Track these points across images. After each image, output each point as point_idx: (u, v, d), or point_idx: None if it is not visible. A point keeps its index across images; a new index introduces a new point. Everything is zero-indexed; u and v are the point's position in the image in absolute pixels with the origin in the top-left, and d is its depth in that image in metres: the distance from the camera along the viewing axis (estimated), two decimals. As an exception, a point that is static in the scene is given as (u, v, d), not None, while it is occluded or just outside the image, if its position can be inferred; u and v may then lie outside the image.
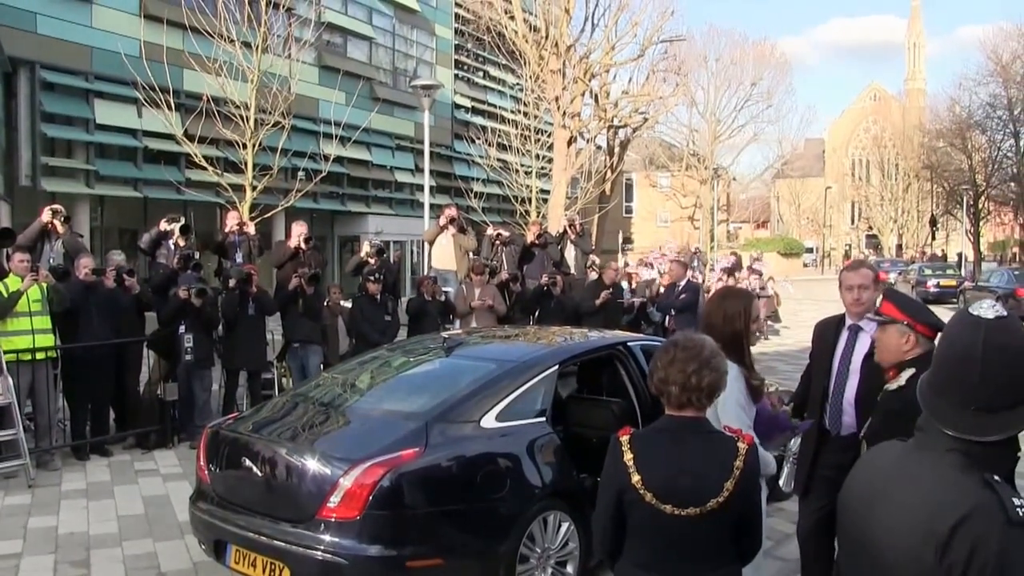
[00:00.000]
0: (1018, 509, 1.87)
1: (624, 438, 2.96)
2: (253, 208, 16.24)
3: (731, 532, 2.92)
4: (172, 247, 11.27)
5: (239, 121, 16.35)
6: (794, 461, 6.65)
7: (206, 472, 5.63)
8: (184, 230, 11.35)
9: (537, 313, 12.77)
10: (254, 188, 16.40)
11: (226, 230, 12.44)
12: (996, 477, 1.96)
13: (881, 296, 4.22)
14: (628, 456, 2.90)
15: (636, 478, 2.86)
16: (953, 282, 34.29)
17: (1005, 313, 2.07)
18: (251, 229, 12.70)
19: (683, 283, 13.28)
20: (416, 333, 11.20)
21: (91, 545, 6.72)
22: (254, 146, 16.33)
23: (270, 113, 16.47)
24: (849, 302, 4.83)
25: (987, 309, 2.08)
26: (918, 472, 2.06)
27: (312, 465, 4.98)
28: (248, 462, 5.29)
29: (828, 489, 4.50)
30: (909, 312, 4.03)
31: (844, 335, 4.88)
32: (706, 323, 4.24)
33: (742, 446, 2.90)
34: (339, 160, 25.84)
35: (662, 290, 14.39)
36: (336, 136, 18.67)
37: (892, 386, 3.94)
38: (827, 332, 4.98)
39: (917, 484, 2.03)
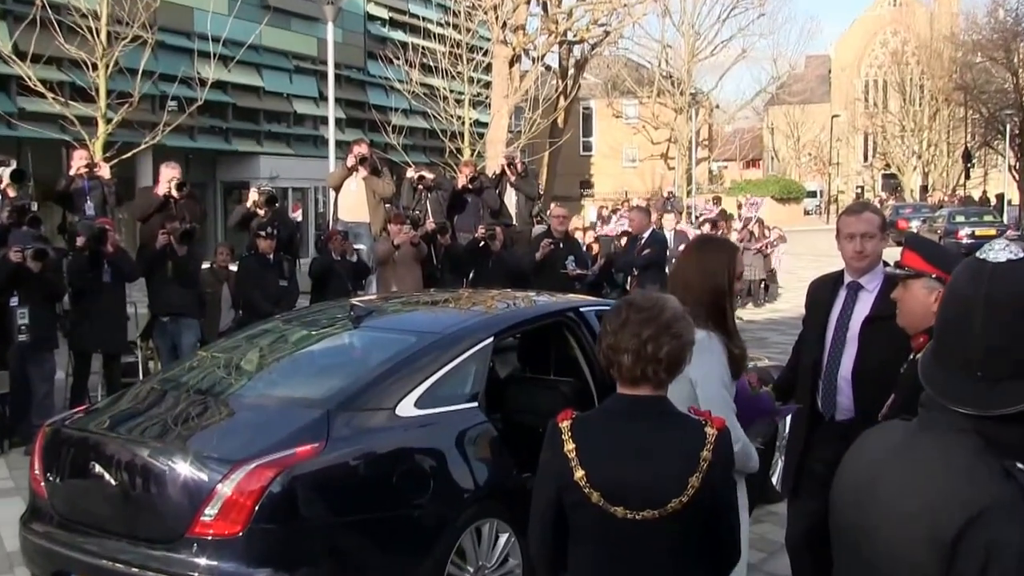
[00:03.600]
0: None
1: (564, 424, 2.96)
2: (108, 146, 15.92)
3: (700, 540, 2.93)
4: (0, 197, 11.03)
5: (87, 34, 15.99)
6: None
7: (43, 484, 5.50)
8: (16, 176, 11.17)
9: (472, 274, 12.75)
10: (109, 121, 16.09)
11: (72, 174, 12.18)
12: (1020, 465, 1.91)
13: (903, 244, 4.21)
14: (569, 446, 2.90)
15: (579, 473, 2.85)
16: (992, 231, 34.35)
17: (1022, 255, 2.00)
18: (105, 172, 12.48)
19: (647, 235, 13.33)
20: (321, 301, 11.12)
21: None
22: (107, 67, 16.00)
23: (128, 25, 16.14)
24: (849, 254, 4.80)
25: (999, 251, 2.02)
26: (921, 460, 2.02)
27: (183, 469, 4.92)
28: (99, 469, 5.19)
29: (822, 487, 4.54)
30: (938, 262, 3.96)
31: (841, 295, 4.88)
32: (680, 281, 4.25)
33: (711, 431, 2.89)
34: (220, 86, 25.41)
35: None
36: (216, 55, 18.36)
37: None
38: (821, 293, 4.99)
39: (920, 475, 1.99)
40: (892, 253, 4.54)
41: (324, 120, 30.81)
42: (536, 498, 3.04)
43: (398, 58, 27.94)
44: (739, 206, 26.81)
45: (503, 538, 5.51)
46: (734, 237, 21.88)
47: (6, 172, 11.13)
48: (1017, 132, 46.98)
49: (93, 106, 16.20)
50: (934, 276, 3.93)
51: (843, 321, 4.84)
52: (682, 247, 14.89)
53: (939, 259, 4.00)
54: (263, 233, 11.45)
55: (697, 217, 26.25)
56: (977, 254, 2.07)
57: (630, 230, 14.41)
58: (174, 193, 11.85)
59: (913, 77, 73.53)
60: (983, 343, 1.97)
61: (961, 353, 2.00)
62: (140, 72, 16.46)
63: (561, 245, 12.63)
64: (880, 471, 2.11)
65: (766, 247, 22.32)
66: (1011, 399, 1.94)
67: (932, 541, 1.87)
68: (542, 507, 3.00)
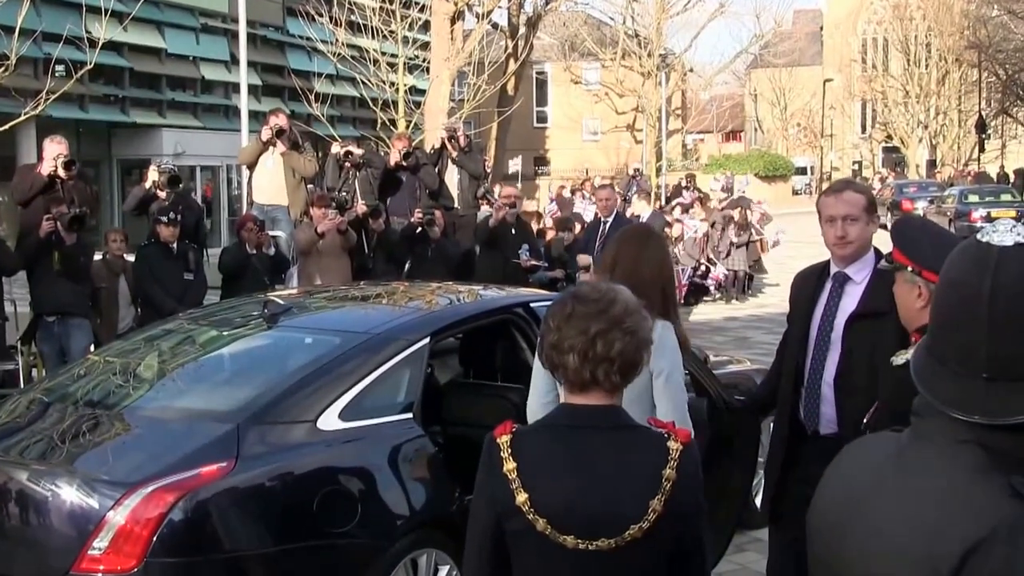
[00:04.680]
0: None
1: (503, 438, 2.96)
2: (-21, 119, 15.75)
3: (664, 573, 2.92)
4: None
5: (-53, -16, 15.82)
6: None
7: None
8: None
9: (408, 265, 12.74)
10: (-20, 89, 15.92)
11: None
12: None
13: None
14: (509, 465, 2.89)
15: (522, 497, 2.84)
16: (1012, 212, 34.37)
17: None
18: (-23, 149, 12.36)
19: (611, 220, 13.38)
20: (232, 296, 11.06)
21: None
22: (-24, 25, 15.83)
23: (2, -26, 15.98)
24: (831, 240, 4.82)
25: (1003, 233, 1.99)
26: (914, 478, 1.99)
27: (68, 495, 4.90)
28: (-32, 496, 5.17)
29: (805, 511, 4.56)
30: (911, 252, 3.89)
31: (827, 288, 4.91)
32: (627, 273, 4.64)
33: (674, 446, 2.88)
34: (115, 47, 25.20)
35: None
36: (108, 11, 18.16)
37: (898, 360, 3.90)
38: (806, 286, 5.02)
39: (913, 496, 1.97)
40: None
41: (236, 87, 30.63)
42: (472, 528, 3.02)
43: (322, 15, 27.78)
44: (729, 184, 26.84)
45: (443, 571, 5.51)
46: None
47: None
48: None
49: (-41, 72, 16.02)
50: (909, 268, 3.86)
51: (827, 318, 4.85)
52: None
53: (912, 248, 3.91)
54: (165, 219, 11.35)
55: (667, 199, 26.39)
56: (978, 236, 2.03)
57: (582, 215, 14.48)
58: (61, 172, 11.71)
59: (918, 34, 73.40)
60: (989, 339, 1.93)
61: (962, 350, 1.97)
62: (17, 30, 16.15)
63: (514, 231, 12.65)
64: (866, 492, 2.08)
65: (753, 235, 22.28)
66: (1021, 404, 1.90)
67: (930, 567, 1.86)
68: (479, 538, 2.99)
